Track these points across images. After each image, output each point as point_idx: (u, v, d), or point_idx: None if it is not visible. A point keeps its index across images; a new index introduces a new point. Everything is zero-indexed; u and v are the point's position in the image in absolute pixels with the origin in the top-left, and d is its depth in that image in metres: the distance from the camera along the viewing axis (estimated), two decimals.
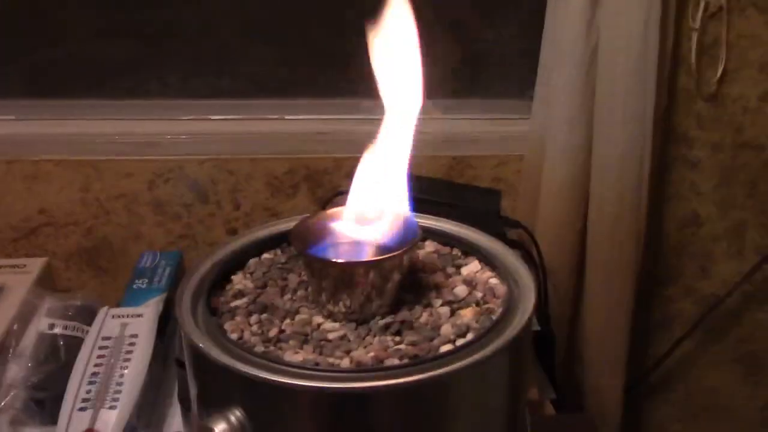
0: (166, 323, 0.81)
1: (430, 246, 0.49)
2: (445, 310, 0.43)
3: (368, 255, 0.44)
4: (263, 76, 1.11)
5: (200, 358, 0.40)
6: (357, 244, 0.45)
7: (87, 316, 0.82)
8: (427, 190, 0.89)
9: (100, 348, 0.76)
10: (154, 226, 1.08)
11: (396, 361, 0.39)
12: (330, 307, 0.43)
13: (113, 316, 0.80)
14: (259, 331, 0.42)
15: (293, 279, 0.46)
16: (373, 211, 0.45)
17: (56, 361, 0.77)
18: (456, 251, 0.49)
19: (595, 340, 1.05)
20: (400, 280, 0.43)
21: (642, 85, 0.93)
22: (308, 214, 0.46)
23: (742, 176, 1.07)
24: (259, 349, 0.40)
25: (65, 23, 1.08)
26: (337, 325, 0.42)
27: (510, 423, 0.44)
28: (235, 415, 0.38)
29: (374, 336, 0.41)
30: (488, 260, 0.47)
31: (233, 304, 0.44)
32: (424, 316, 0.43)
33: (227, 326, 0.42)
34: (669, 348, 1.14)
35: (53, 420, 0.70)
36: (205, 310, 0.43)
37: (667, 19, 0.93)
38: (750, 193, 1.08)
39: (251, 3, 1.07)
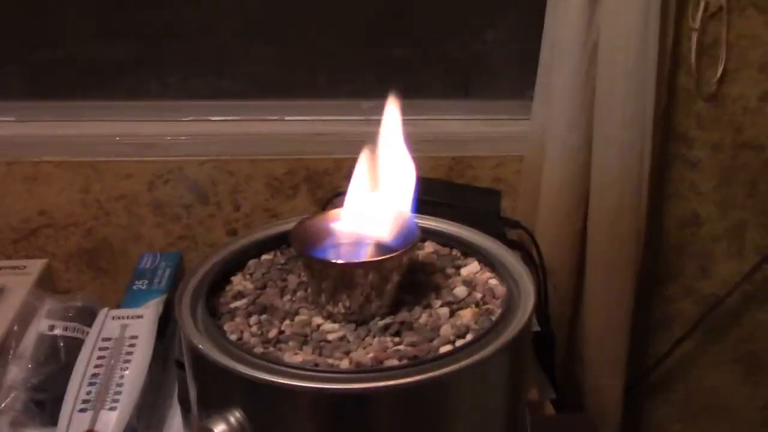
0: (166, 324, 0.81)
1: (429, 247, 0.49)
2: (444, 311, 0.43)
3: (368, 256, 0.44)
4: (263, 77, 1.11)
5: (200, 359, 0.40)
6: (356, 245, 0.45)
7: (87, 317, 0.82)
8: (427, 191, 0.89)
9: (101, 349, 0.76)
10: (154, 227, 1.08)
11: (395, 362, 0.39)
12: (329, 308, 0.43)
13: (113, 318, 0.80)
14: (259, 332, 0.42)
15: (293, 280, 0.46)
16: (372, 212, 0.45)
17: (56, 363, 0.77)
18: (455, 252, 0.49)
19: (595, 340, 1.05)
20: (400, 281, 0.43)
21: (642, 85, 0.93)
22: (307, 215, 0.46)
23: (742, 176, 1.07)
24: (259, 350, 0.40)
25: (65, 24, 1.08)
26: (336, 326, 0.42)
27: (510, 423, 0.44)
28: (235, 416, 0.38)
29: (374, 337, 0.41)
30: (488, 261, 0.47)
31: (233, 305, 0.44)
32: (424, 317, 0.43)
33: (227, 327, 0.42)
34: (669, 348, 1.14)
35: (53, 421, 0.70)
36: (205, 311, 0.43)
37: (666, 19, 0.93)
38: (750, 193, 1.08)
39: (251, 4, 1.07)
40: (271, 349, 0.41)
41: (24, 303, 0.86)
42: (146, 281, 0.90)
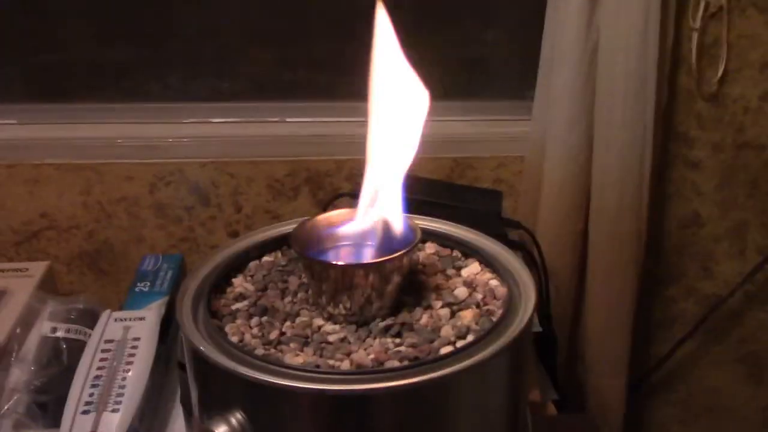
0: (168, 326, 0.81)
1: (430, 248, 0.49)
2: (445, 312, 0.43)
3: (368, 257, 0.44)
4: (264, 79, 1.11)
5: (201, 361, 0.40)
6: (357, 247, 0.45)
7: (89, 319, 0.82)
8: (429, 192, 0.90)
9: (103, 351, 0.76)
10: (155, 229, 1.08)
11: (396, 363, 0.39)
12: (330, 309, 0.43)
13: (115, 320, 0.80)
14: (260, 334, 0.42)
15: (294, 281, 0.46)
16: (373, 213, 0.45)
17: (59, 365, 0.77)
18: (456, 253, 0.49)
19: (596, 341, 1.05)
20: (401, 282, 0.43)
21: (642, 85, 0.93)
22: (308, 217, 0.46)
23: (743, 176, 1.07)
24: (260, 351, 0.40)
25: (66, 27, 1.08)
26: (337, 327, 0.42)
27: (511, 424, 0.44)
28: (236, 417, 0.38)
29: (374, 338, 0.41)
30: (488, 262, 0.47)
31: (234, 306, 0.44)
32: (425, 318, 0.43)
33: (228, 329, 0.42)
34: (671, 348, 1.14)
35: (56, 423, 0.70)
36: (206, 313, 0.43)
37: (667, 19, 0.93)
38: (751, 193, 1.08)
39: (251, 5, 1.07)
40: (272, 350, 0.41)
41: (26, 305, 0.86)
42: (148, 283, 0.90)
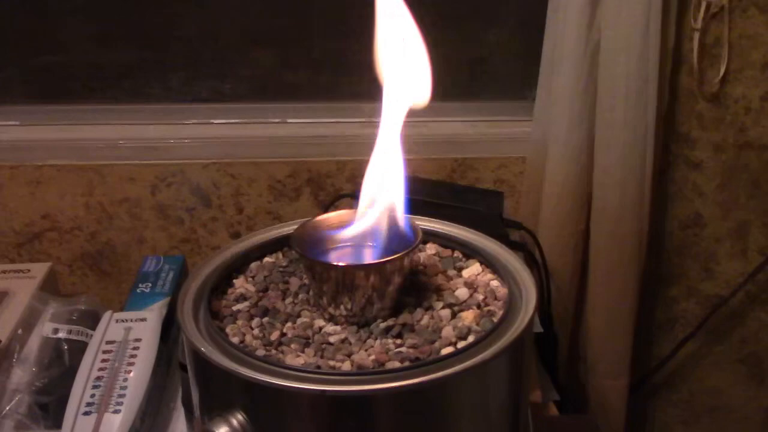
0: (169, 327, 0.81)
1: (431, 248, 0.49)
2: (446, 313, 0.43)
3: (369, 258, 0.44)
4: (265, 80, 1.11)
5: (202, 362, 0.40)
6: (358, 248, 0.45)
7: (91, 320, 0.83)
8: (430, 193, 0.90)
9: (104, 352, 0.76)
10: (157, 230, 1.09)
11: (397, 364, 0.39)
12: (331, 310, 0.43)
13: (117, 321, 0.80)
14: (261, 335, 0.42)
15: (295, 282, 0.46)
16: (374, 214, 0.45)
17: (60, 366, 0.78)
18: (457, 254, 0.49)
19: (598, 341, 1.05)
20: (401, 283, 0.43)
21: (643, 85, 0.93)
22: (309, 218, 0.46)
23: (745, 176, 1.07)
24: (261, 352, 0.40)
25: (67, 28, 1.08)
26: (338, 328, 0.42)
27: (512, 425, 0.44)
28: (237, 418, 0.38)
29: (375, 339, 0.41)
30: (489, 262, 0.47)
31: (235, 307, 0.44)
32: (425, 319, 0.43)
33: (229, 330, 0.42)
34: (672, 349, 1.14)
35: (57, 424, 0.70)
36: (207, 314, 0.43)
37: (668, 19, 0.93)
38: (752, 194, 1.08)
39: (253, 6, 1.07)
40: (273, 351, 0.41)
41: (28, 306, 0.86)
42: (150, 284, 0.90)
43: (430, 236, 0.49)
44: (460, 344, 0.41)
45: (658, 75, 0.93)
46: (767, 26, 0.99)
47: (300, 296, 0.45)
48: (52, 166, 1.05)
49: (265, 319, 0.43)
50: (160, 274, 0.93)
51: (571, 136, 0.96)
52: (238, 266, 0.48)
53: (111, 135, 1.06)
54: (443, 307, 0.44)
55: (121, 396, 0.70)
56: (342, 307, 0.42)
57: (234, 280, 0.47)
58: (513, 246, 0.82)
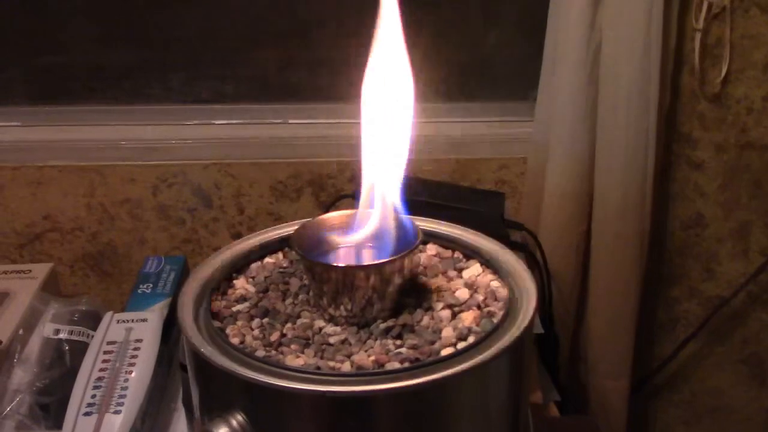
0: (170, 328, 0.81)
1: (431, 249, 0.49)
2: (446, 314, 0.43)
3: (369, 259, 0.44)
4: (266, 81, 1.11)
5: (202, 363, 0.40)
6: (358, 248, 0.45)
7: (92, 321, 0.83)
8: (431, 193, 0.90)
9: (105, 353, 0.76)
10: (158, 231, 1.09)
11: (397, 365, 0.39)
12: (331, 311, 0.43)
13: (118, 321, 0.80)
14: (261, 336, 0.42)
15: (295, 283, 0.46)
16: (374, 214, 0.45)
17: (61, 366, 0.78)
18: (457, 254, 0.49)
19: (599, 342, 1.05)
20: (402, 284, 0.43)
21: (645, 85, 0.93)
22: (309, 219, 0.46)
23: (747, 177, 1.07)
24: (261, 353, 0.40)
25: (68, 29, 1.08)
26: (338, 328, 0.42)
27: (513, 426, 0.43)
28: (237, 419, 0.38)
29: (375, 339, 0.41)
30: (490, 263, 0.47)
31: (235, 308, 0.44)
32: (426, 320, 0.43)
33: (229, 331, 0.42)
34: (674, 349, 1.14)
35: (58, 425, 0.70)
36: (207, 315, 0.43)
37: (670, 20, 0.93)
38: (754, 194, 1.08)
39: (254, 7, 1.08)
40: (273, 352, 0.41)
41: (29, 307, 0.87)
42: (151, 285, 0.90)
43: (430, 237, 0.49)
44: (460, 345, 0.40)
45: (659, 75, 0.93)
46: None
47: (300, 297, 0.45)
48: (53, 167, 1.05)
49: (265, 320, 0.43)
50: (161, 275, 0.93)
51: (572, 137, 0.96)
52: (238, 267, 0.48)
53: (112, 136, 1.06)
54: (443, 308, 0.44)
55: (122, 396, 0.70)
56: (342, 307, 0.42)
57: (234, 281, 0.47)
58: (514, 247, 0.82)
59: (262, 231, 0.50)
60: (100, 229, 1.08)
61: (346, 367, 0.39)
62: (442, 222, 0.50)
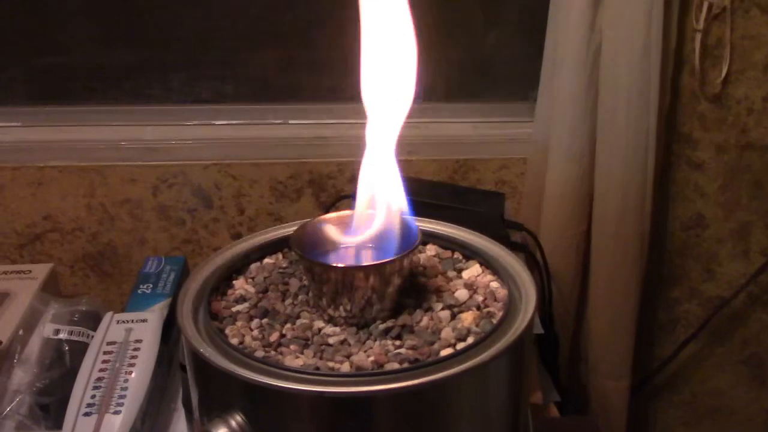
0: (170, 328, 0.81)
1: (431, 250, 0.49)
2: (445, 314, 0.43)
3: (369, 259, 0.44)
4: (266, 81, 1.11)
5: (201, 363, 0.40)
6: (358, 249, 0.45)
7: (92, 321, 0.83)
8: (431, 194, 0.90)
9: (105, 353, 0.76)
10: (158, 231, 1.09)
11: (396, 365, 0.39)
12: (331, 311, 0.43)
13: (118, 322, 0.80)
14: (260, 336, 0.42)
15: (294, 283, 0.46)
16: (373, 215, 0.45)
17: (61, 367, 0.78)
18: (457, 255, 0.49)
19: (599, 342, 1.05)
20: (401, 284, 0.43)
21: (645, 86, 0.93)
22: (308, 219, 0.46)
23: (747, 177, 1.07)
24: (260, 354, 0.40)
25: (69, 30, 1.08)
26: (337, 329, 0.42)
27: (512, 426, 0.43)
28: (236, 419, 0.38)
29: (375, 340, 0.41)
30: (489, 264, 0.47)
31: (234, 308, 0.44)
32: (425, 320, 0.43)
33: (228, 331, 0.42)
34: (674, 350, 1.13)
35: (58, 425, 0.70)
36: (207, 315, 0.43)
37: (670, 20, 0.93)
38: (754, 195, 1.08)
39: (254, 7, 1.07)
40: (273, 353, 0.41)
41: (29, 307, 0.86)
42: (151, 285, 0.90)
43: (429, 237, 0.49)
44: (460, 345, 0.40)
45: (659, 76, 0.93)
46: None
47: (299, 297, 0.45)
48: (53, 167, 1.05)
49: (265, 321, 0.43)
50: (161, 275, 0.93)
51: (572, 137, 0.96)
52: (238, 267, 0.48)
53: (112, 136, 1.06)
54: (443, 309, 0.44)
55: (122, 397, 0.70)
56: (341, 308, 0.42)
57: (234, 281, 0.47)
58: (514, 247, 0.82)
59: (262, 231, 0.50)
60: (100, 230, 1.08)
61: (346, 367, 0.39)
62: (442, 222, 0.50)
